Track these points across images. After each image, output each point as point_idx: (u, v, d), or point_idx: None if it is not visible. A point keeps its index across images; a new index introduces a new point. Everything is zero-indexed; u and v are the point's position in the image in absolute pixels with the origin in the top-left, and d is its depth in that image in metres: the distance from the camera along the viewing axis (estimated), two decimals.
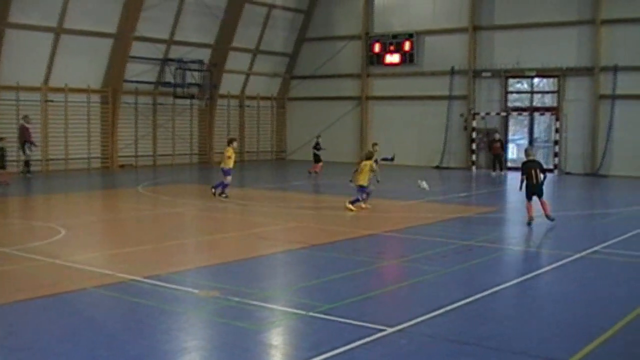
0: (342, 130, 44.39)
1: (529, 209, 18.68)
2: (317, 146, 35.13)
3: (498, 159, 37.54)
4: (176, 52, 39.86)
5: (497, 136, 38.47)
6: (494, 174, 36.42)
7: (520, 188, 19.02)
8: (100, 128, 37.59)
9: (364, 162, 22.08)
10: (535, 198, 18.66)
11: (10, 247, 15.04)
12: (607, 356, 8.58)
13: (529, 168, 18.82)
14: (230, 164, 24.98)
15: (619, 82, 36.38)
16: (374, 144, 25.50)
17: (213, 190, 25.23)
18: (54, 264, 13.58)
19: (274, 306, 10.75)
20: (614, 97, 36.55)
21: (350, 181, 23.21)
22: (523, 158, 19.72)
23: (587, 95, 37.45)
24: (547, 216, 18.59)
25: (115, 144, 37.93)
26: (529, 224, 18.39)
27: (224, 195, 24.68)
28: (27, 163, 32.52)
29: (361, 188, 21.81)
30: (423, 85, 42.11)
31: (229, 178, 24.93)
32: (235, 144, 26.39)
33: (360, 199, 21.72)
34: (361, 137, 43.75)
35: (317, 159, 34.81)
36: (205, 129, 43.22)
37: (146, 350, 8.62)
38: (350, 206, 21.39)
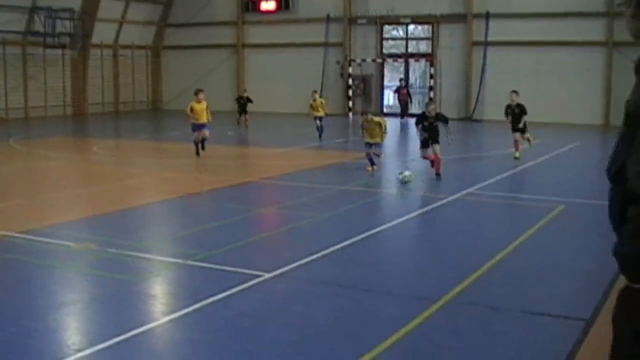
0: (218, 79, 44.08)
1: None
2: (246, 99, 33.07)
3: (404, 106, 38.19)
4: (45, 0, 38.54)
5: (403, 83, 39.08)
6: (402, 120, 36.95)
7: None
8: None
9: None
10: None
11: None
12: (476, 294, 8.90)
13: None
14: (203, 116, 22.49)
15: (491, 29, 37.22)
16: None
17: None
18: None
19: (152, 256, 10.71)
20: (486, 44, 37.39)
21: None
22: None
23: (460, 42, 38.23)
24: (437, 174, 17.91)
25: None
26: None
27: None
28: None
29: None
30: (299, 33, 42.08)
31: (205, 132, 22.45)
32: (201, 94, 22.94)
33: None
34: (237, 85, 43.47)
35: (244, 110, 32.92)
36: (78, 80, 42.18)
37: (22, 306, 8.47)
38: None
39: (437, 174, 17.79)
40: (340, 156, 22.72)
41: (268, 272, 9.61)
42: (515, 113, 21.34)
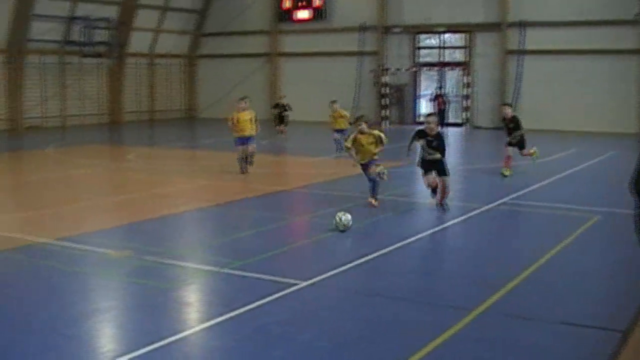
0: (253, 87, 44.21)
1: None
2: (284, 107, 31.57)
3: (441, 114, 38.11)
4: (82, 10, 38.91)
5: (440, 91, 39.04)
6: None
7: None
8: (4, 89, 36.63)
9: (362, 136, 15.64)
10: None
11: None
12: (511, 305, 8.85)
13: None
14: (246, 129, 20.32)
15: (526, 37, 37.02)
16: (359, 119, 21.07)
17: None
18: None
19: (186, 264, 10.77)
20: (521, 53, 37.20)
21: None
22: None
23: (495, 51, 38.05)
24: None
25: (20, 105, 37.07)
26: None
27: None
28: None
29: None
30: (333, 42, 42.12)
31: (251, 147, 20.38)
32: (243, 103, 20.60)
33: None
34: (271, 94, 43.53)
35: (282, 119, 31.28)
36: (114, 89, 42.54)
37: (57, 313, 8.56)
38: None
39: (440, 204, 14.84)
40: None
41: (302, 280, 9.63)
42: (510, 127, 20.17)
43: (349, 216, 12.77)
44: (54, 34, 38.12)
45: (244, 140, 20.08)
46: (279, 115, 30.95)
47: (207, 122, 42.53)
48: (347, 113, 25.74)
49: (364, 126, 15.48)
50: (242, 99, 20.68)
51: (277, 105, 31.62)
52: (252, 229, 13.27)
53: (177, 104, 47.15)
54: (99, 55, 40.22)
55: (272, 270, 10.20)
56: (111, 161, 24.96)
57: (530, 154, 20.58)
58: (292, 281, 9.60)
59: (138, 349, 7.31)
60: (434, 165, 14.71)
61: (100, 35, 39.85)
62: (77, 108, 40.56)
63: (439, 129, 14.99)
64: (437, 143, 14.56)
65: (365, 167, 15.61)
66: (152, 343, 7.44)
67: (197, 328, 8.06)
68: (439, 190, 14.89)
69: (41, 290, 9.60)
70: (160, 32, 44.61)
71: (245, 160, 20.16)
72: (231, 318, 8.24)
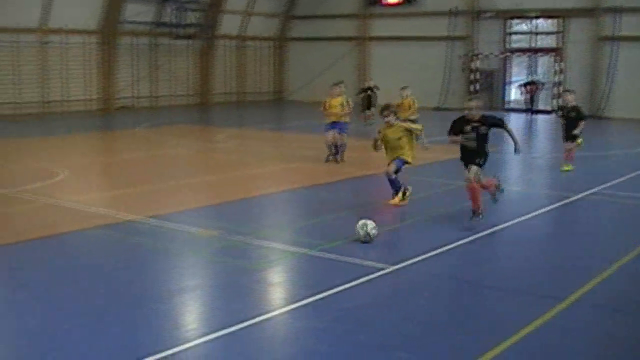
0: (341, 71, 44.14)
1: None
2: (370, 89, 31.26)
3: (531, 101, 37.68)
4: None
5: (531, 78, 38.55)
6: (529, 116, 36.41)
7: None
8: (97, 70, 37.33)
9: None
10: None
11: (11, 189, 15.05)
12: (602, 296, 8.64)
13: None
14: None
15: (621, 23, 36.11)
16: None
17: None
18: (54, 205, 13.60)
19: (274, 245, 10.79)
20: (615, 39, 36.28)
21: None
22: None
23: (589, 37, 37.19)
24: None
25: (113, 86, 37.74)
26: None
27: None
28: None
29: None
30: (423, 26, 41.71)
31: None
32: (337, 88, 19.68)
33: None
34: (359, 79, 43.43)
35: (370, 104, 30.63)
36: (204, 70, 42.97)
37: (146, 289, 8.69)
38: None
39: (473, 212, 12.32)
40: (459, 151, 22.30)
41: (389, 265, 9.56)
42: (571, 117, 18.25)
43: (371, 225, 10.84)
44: (146, 15, 38.64)
45: (333, 126, 19.26)
46: (367, 99, 30.64)
47: (296, 105, 42.69)
48: (416, 104, 22.71)
49: (391, 118, 13.50)
50: (337, 83, 19.89)
51: (366, 90, 31.27)
52: (340, 212, 13.23)
53: (265, 86, 47.38)
54: (189, 37, 40.67)
55: (359, 253, 10.16)
56: (200, 142, 25.19)
57: (578, 144, 18.61)
58: (379, 265, 9.54)
59: (224, 328, 7.36)
60: (472, 154, 12.38)
61: (191, 17, 40.28)
62: (167, 89, 41.11)
63: (484, 114, 12.54)
64: (485, 129, 12.31)
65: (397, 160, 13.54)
66: (238, 323, 7.47)
67: (283, 309, 8.06)
68: (471, 191, 12.37)
69: (132, 266, 9.77)
70: (250, 14, 44.83)
71: (335, 147, 19.27)
72: (318, 300, 8.23)
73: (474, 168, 12.21)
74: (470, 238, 11.20)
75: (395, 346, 7.02)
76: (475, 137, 12.29)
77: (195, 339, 7.12)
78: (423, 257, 10.05)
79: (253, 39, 45.72)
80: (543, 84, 38.96)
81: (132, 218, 12.36)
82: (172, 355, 6.73)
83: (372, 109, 30.12)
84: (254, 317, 7.65)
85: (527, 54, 40.14)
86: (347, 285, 8.70)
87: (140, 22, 38.17)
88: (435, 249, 10.48)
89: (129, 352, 6.77)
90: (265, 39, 46.58)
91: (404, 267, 9.51)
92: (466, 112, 12.44)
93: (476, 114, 12.33)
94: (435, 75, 40.79)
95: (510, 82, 40.94)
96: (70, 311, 7.91)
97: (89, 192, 15.25)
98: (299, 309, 8.03)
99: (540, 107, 38.91)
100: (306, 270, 9.69)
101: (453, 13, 40.70)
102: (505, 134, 12.83)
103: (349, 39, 44.75)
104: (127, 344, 7.01)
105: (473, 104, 12.44)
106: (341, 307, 8.07)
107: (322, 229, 11.91)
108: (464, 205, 13.29)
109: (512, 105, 40.24)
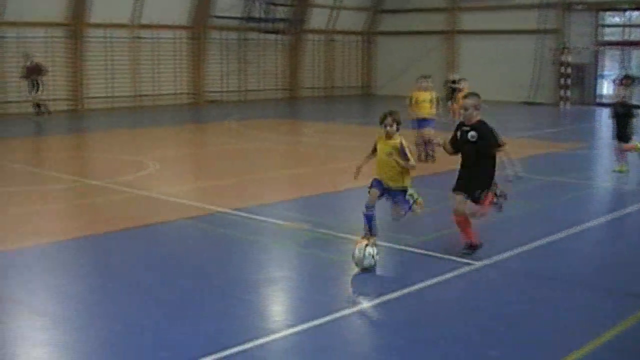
0: (430, 65, 43.82)
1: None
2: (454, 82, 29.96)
3: None
4: None
5: (625, 72, 37.75)
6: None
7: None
8: (187, 64, 37.87)
9: None
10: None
11: (103, 180, 15.40)
12: None
13: None
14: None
15: None
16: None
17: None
18: (143, 197, 13.88)
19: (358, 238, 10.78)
20: None
21: None
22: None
23: None
24: None
25: (202, 80, 38.24)
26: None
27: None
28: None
29: None
30: (512, 19, 41.12)
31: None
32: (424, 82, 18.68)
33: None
34: (448, 73, 43.09)
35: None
36: (292, 64, 43.20)
37: (232, 280, 8.79)
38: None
39: (466, 247, 9.81)
40: (550, 146, 22.02)
41: (477, 260, 9.47)
42: (619, 114, 16.49)
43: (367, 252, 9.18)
44: (235, 11, 39.01)
45: (420, 123, 18.12)
46: (452, 91, 30.29)
47: (384, 100, 42.53)
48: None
49: (393, 128, 10.19)
50: (424, 77, 18.78)
51: (453, 82, 30.89)
52: (429, 207, 13.14)
53: (353, 80, 47.37)
54: (277, 31, 40.93)
55: (447, 248, 10.08)
56: (288, 135, 25.37)
57: (634, 148, 16.78)
58: (466, 260, 9.46)
59: (310, 320, 7.41)
60: (466, 171, 9.86)
61: (280, 12, 40.52)
62: (255, 83, 41.48)
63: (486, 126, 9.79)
64: (476, 136, 9.58)
65: (387, 192, 10.28)
66: (324, 315, 7.50)
67: (368, 303, 8.05)
68: (459, 223, 9.91)
69: (219, 257, 9.90)
70: (338, 9, 44.87)
71: (425, 145, 18.05)
72: (403, 295, 8.20)
73: (459, 197, 9.78)
74: (560, 235, 11.01)
75: (482, 344, 6.96)
76: (467, 148, 9.69)
77: (281, 330, 7.18)
78: (511, 253, 9.93)
79: (341, 33, 45.74)
80: (631, 77, 38.03)
81: (219, 210, 12.51)
82: (258, 346, 6.79)
83: (454, 103, 29.47)
84: (338, 310, 7.67)
85: (620, 47, 39.23)
86: (433, 280, 8.66)
87: (229, 17, 38.57)
88: (523, 245, 10.33)
89: (216, 341, 6.86)
90: (353, 33, 46.56)
91: (491, 264, 9.41)
92: (461, 111, 10.08)
93: (472, 116, 9.76)
94: (524, 69, 40.17)
95: (603, 76, 40.07)
96: (158, 300, 8.06)
97: (177, 184, 15.51)
98: (384, 302, 8.02)
99: (634, 101, 37.93)
100: (392, 264, 9.67)
101: (543, 5, 40.01)
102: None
103: (438, 32, 44.41)
104: (213, 333, 7.10)
105: (469, 102, 9.84)
106: (427, 302, 8.05)
107: (410, 223, 11.83)
108: (553, 200, 13.08)
109: (603, 100, 39.41)
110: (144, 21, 35.18)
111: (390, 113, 10.32)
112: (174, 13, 36.50)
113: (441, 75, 40.69)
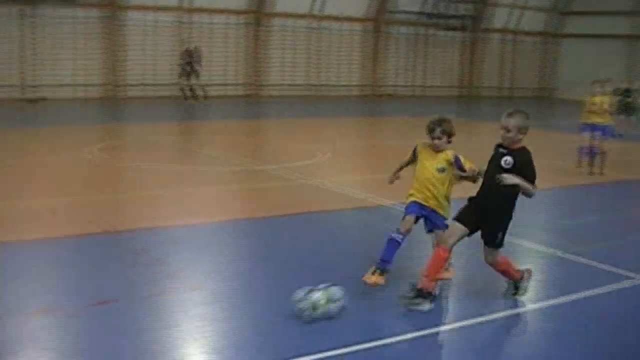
0: (612, 71, 42.28)
1: None
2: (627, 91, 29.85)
3: None
4: None
5: None
6: None
7: None
8: (364, 57, 38.19)
9: None
10: None
11: (272, 166, 15.83)
12: None
13: None
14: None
15: None
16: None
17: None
18: (308, 185, 14.21)
19: (525, 243, 10.61)
20: None
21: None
22: None
23: None
24: None
25: (380, 73, 38.47)
26: None
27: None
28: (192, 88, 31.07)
29: None
30: None
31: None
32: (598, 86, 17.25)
33: None
34: (631, 80, 41.52)
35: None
36: (470, 63, 42.79)
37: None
38: None
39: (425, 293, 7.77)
40: None
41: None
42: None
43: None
44: (415, 5, 38.99)
45: (588, 128, 17.02)
46: (625, 103, 29.06)
47: (565, 103, 41.49)
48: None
49: (442, 140, 8.65)
50: (599, 81, 17.37)
51: (625, 91, 29.67)
52: (596, 216, 12.82)
53: (533, 82, 46.42)
54: (457, 28, 40.64)
55: (609, 260, 9.77)
56: (459, 133, 25.10)
57: None
58: (630, 274, 9.14)
59: (461, 319, 7.46)
60: (482, 207, 8.10)
61: (459, 9, 40.22)
62: (430, 79, 41.34)
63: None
64: (511, 164, 7.89)
65: (424, 211, 8.67)
66: (480, 315, 7.51)
67: (524, 308, 7.95)
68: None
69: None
70: (521, 8, 44.06)
71: (590, 153, 17.03)
72: (559, 304, 8.04)
73: (457, 226, 8.18)
74: None
75: None
76: (492, 174, 7.91)
77: (431, 327, 7.21)
78: None
79: (522, 33, 44.92)
80: None
81: (383, 203, 12.58)
82: (413, 338, 6.87)
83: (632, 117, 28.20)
84: (496, 312, 7.70)
85: None
86: (593, 292, 8.43)
87: (409, 12, 38.62)
88: None
89: (371, 332, 6.96)
90: (535, 33, 45.62)
91: None
92: (502, 132, 8.12)
93: (512, 141, 8.04)
94: None
95: None
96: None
97: (344, 173, 15.74)
98: (539, 310, 7.94)
99: None
100: (553, 272, 9.48)
101: None
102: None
103: (622, 37, 42.84)
104: (365, 326, 7.19)
105: (512, 122, 8.06)
106: (585, 313, 7.86)
107: (572, 232, 11.59)
108: None
109: None
110: (325, 12, 35.72)
111: (440, 123, 8.55)
112: (354, 6, 36.87)
113: (622, 83, 39.43)
